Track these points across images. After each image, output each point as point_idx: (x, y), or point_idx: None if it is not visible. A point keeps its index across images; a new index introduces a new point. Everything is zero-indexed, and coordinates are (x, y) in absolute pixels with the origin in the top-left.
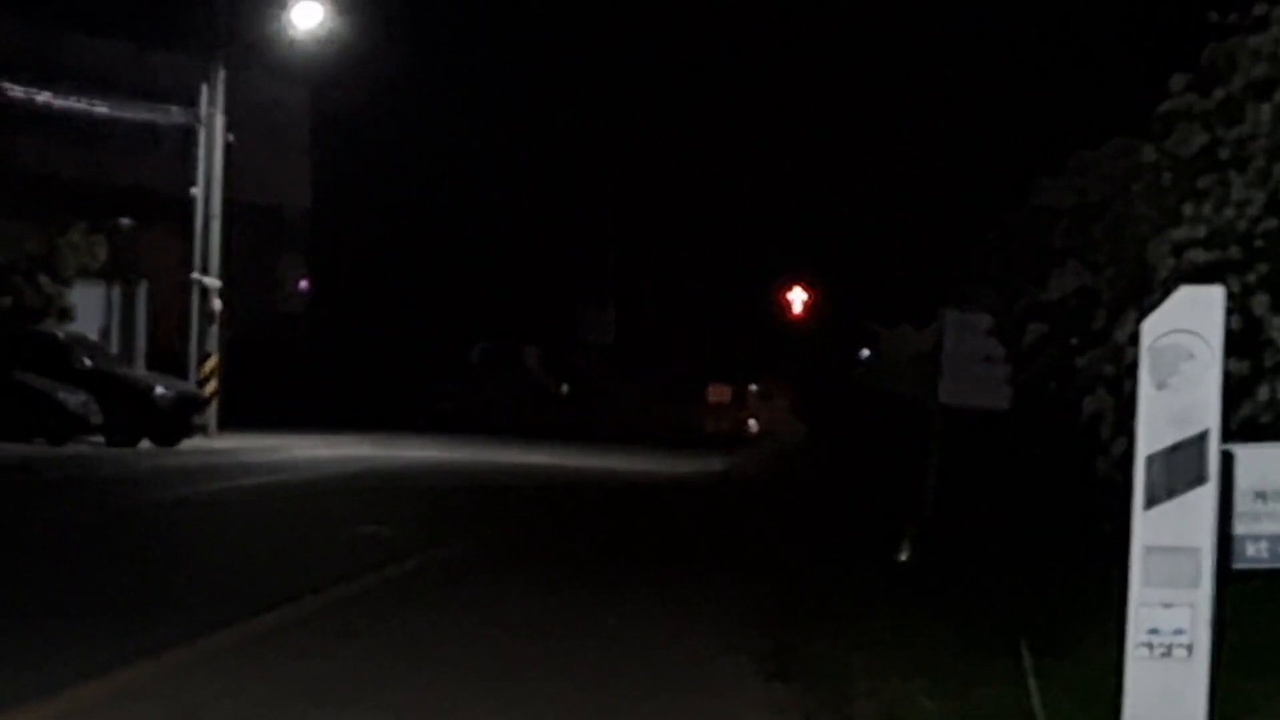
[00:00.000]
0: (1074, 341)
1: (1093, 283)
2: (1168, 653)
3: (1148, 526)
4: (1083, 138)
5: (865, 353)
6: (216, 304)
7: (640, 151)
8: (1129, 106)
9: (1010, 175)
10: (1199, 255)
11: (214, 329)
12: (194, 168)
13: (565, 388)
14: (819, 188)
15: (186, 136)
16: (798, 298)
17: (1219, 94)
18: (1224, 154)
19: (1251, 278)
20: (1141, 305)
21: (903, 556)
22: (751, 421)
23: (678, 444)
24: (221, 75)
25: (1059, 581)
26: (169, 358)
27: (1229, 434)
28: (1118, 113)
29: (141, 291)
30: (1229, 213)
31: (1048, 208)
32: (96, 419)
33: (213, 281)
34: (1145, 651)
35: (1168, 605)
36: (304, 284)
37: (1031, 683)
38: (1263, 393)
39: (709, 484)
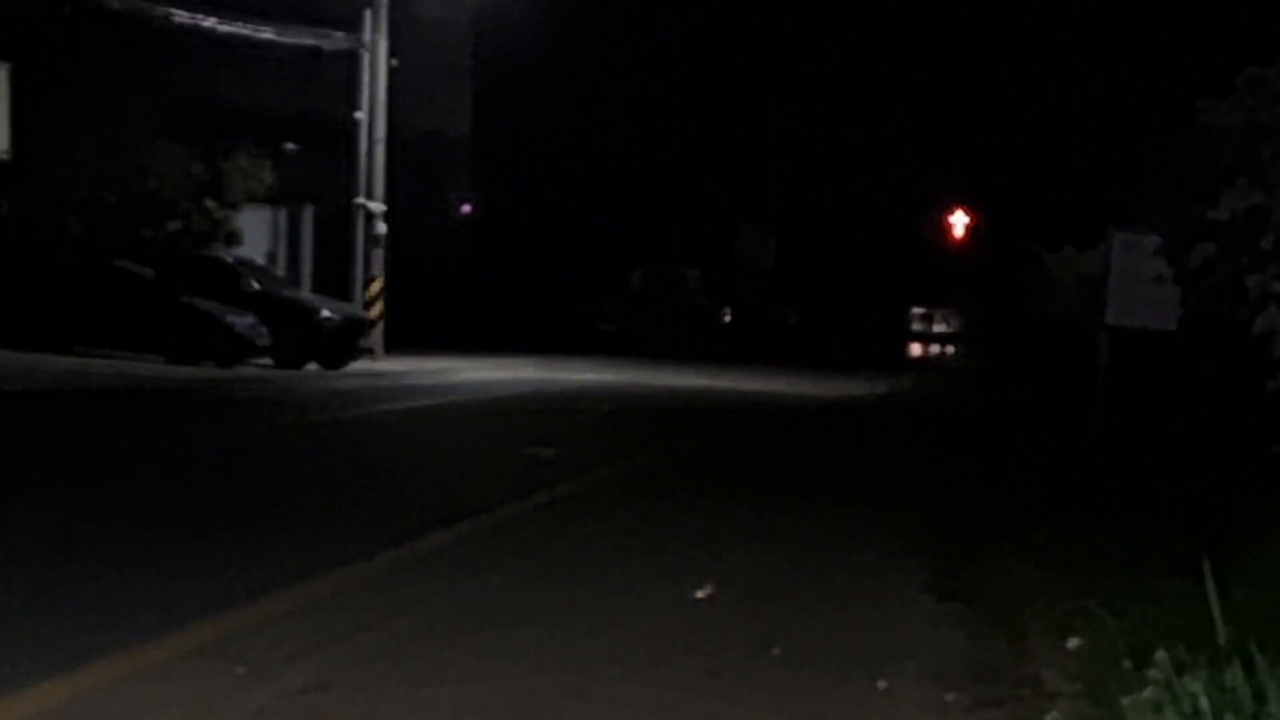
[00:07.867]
0: (1244, 260)
1: (1264, 201)
2: None
3: None
4: (1252, 55)
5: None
6: (381, 227)
7: (800, 74)
8: None
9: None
10: None
11: (379, 252)
12: (357, 92)
13: (727, 311)
14: (983, 108)
15: (350, 61)
16: (960, 220)
17: None
18: None
19: None
20: None
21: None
22: (913, 345)
23: (839, 367)
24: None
25: (1229, 502)
26: (334, 281)
27: None
28: None
29: (307, 215)
30: None
31: (1216, 126)
32: (264, 341)
33: (377, 205)
34: None
35: None
36: (466, 207)
37: (1213, 601)
38: None
39: (872, 407)
